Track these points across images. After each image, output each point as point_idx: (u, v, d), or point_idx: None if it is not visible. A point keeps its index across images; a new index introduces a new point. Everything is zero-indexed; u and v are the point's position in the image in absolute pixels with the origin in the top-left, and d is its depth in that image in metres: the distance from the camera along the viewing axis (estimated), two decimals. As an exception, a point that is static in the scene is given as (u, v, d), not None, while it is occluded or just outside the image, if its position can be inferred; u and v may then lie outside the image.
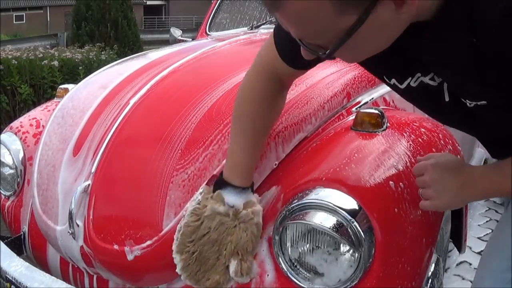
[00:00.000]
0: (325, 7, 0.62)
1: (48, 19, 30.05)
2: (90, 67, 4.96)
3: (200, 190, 1.10)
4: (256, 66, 1.06)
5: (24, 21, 29.49)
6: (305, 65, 1.00)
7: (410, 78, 0.84)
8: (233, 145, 1.09)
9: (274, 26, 1.01)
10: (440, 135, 1.39)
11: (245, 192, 1.06)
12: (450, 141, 1.39)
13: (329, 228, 1.03)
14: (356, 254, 1.03)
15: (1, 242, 1.44)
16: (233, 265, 1.04)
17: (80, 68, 4.89)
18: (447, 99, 0.83)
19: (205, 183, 1.10)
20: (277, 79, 1.05)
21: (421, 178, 0.96)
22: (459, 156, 1.36)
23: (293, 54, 0.89)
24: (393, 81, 0.89)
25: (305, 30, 0.69)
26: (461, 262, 2.29)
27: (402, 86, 0.87)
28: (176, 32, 2.91)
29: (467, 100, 0.79)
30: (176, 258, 1.07)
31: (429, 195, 0.94)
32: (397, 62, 0.83)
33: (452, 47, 0.71)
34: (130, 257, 1.15)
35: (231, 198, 1.05)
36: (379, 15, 0.64)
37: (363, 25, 0.64)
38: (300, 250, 1.08)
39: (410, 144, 1.25)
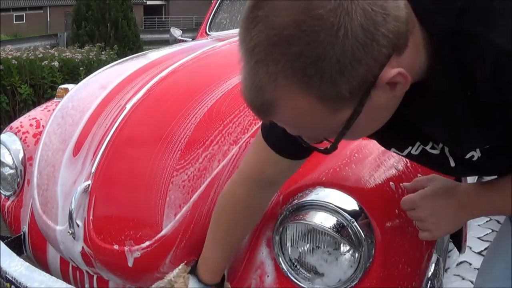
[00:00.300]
0: (317, 110, 0.60)
1: (48, 19, 30.07)
2: (90, 67, 4.96)
3: (180, 266, 1.11)
4: (241, 175, 1.02)
5: (24, 21, 29.50)
6: (307, 154, 0.97)
7: (410, 147, 0.82)
8: (208, 242, 1.09)
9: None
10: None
11: None
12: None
13: (329, 228, 1.03)
14: (356, 254, 1.03)
15: (1, 242, 1.44)
16: None
17: (82, 68, 4.89)
18: (452, 164, 0.80)
19: (185, 261, 1.13)
20: (267, 184, 1.01)
21: (414, 213, 0.93)
22: None
23: (293, 147, 0.88)
24: (393, 149, 0.86)
25: (301, 131, 0.69)
26: (461, 262, 2.29)
27: (403, 154, 0.84)
28: (176, 32, 2.91)
29: (471, 152, 0.76)
30: None
31: (426, 228, 0.91)
32: (394, 132, 0.79)
33: (445, 104, 0.68)
34: (130, 262, 1.16)
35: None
36: (375, 101, 0.61)
37: (360, 115, 0.61)
38: (300, 250, 1.08)
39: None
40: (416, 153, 0.82)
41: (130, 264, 1.16)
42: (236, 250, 1.12)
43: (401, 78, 0.60)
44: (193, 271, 1.10)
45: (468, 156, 0.77)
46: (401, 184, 1.06)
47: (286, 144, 0.89)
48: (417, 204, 0.92)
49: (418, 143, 0.81)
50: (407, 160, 1.17)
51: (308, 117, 0.62)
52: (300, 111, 0.61)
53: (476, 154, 0.76)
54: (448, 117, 0.71)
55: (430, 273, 1.22)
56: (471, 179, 2.49)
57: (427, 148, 0.81)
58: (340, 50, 0.55)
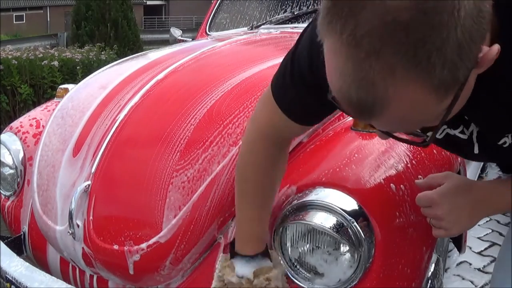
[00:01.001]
0: (430, 100, 0.55)
1: (48, 19, 30.06)
2: (89, 67, 4.95)
3: (220, 258, 1.08)
4: (254, 133, 0.99)
5: (24, 21, 29.49)
6: (318, 120, 0.96)
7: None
8: (239, 215, 1.04)
9: (268, 88, 0.93)
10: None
11: (255, 260, 1.02)
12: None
13: (329, 228, 1.03)
14: (356, 254, 1.03)
15: (1, 242, 1.44)
16: None
17: (78, 68, 4.87)
18: (476, 151, 0.79)
19: (221, 251, 1.10)
20: (279, 140, 0.99)
21: (430, 211, 0.90)
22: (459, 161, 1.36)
23: (304, 114, 0.87)
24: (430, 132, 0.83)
25: (404, 126, 0.63)
26: (461, 262, 2.29)
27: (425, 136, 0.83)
28: (176, 32, 2.91)
29: (504, 138, 0.74)
30: None
31: (442, 226, 0.89)
32: None
33: (498, 89, 0.66)
34: (131, 269, 1.16)
35: (241, 268, 1.02)
36: (470, 82, 0.58)
37: (458, 99, 0.58)
38: (300, 250, 1.08)
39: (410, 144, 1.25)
40: (440, 136, 0.81)
41: (131, 271, 1.16)
42: (269, 213, 1.06)
43: (496, 56, 0.56)
44: (234, 254, 1.04)
45: (500, 142, 0.75)
46: (415, 181, 1.04)
47: (300, 112, 0.87)
48: (435, 201, 0.89)
49: (445, 126, 0.79)
50: (408, 160, 1.17)
51: (419, 111, 0.56)
52: (414, 105, 0.55)
53: (508, 140, 0.74)
54: (498, 103, 0.68)
55: (430, 273, 1.22)
56: (474, 170, 2.48)
57: (456, 132, 0.78)
58: (461, 32, 0.50)
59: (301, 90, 0.83)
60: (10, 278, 1.28)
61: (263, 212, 1.04)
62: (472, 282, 2.13)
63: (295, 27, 2.28)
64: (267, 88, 0.93)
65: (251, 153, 1.00)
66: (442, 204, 0.88)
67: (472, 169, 2.90)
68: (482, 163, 3.21)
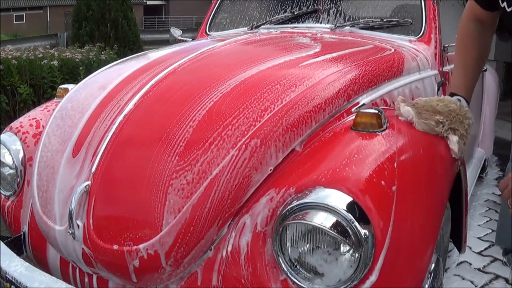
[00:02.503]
0: None
1: (48, 19, 30.05)
2: (90, 67, 4.95)
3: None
4: (463, 15, 1.47)
5: (24, 21, 29.48)
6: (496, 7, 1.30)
7: None
8: (455, 71, 1.53)
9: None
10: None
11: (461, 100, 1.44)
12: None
13: (329, 228, 1.03)
14: (356, 254, 1.03)
15: (1, 242, 1.44)
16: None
17: (81, 68, 4.88)
18: None
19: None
20: (477, 21, 1.43)
21: (508, 191, 1.12)
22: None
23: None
24: (504, 4, 1.04)
25: None
26: (461, 262, 2.29)
27: (509, 9, 0.97)
28: (176, 32, 2.91)
29: None
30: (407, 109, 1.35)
31: None
32: None
33: None
34: (133, 277, 1.17)
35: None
36: None
37: None
38: (300, 250, 1.08)
39: (410, 144, 1.25)
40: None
41: (131, 271, 1.16)
42: (477, 72, 1.51)
43: None
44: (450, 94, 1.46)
45: None
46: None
47: None
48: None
49: None
50: (407, 160, 1.17)
51: None
52: None
53: None
54: None
55: (430, 273, 1.22)
56: (474, 170, 2.57)
57: None
58: None
59: None
60: (10, 278, 1.28)
61: (471, 71, 1.48)
62: (472, 282, 2.13)
63: (295, 27, 2.28)
64: None
65: (462, 29, 1.48)
66: None
67: (472, 169, 2.90)
68: (482, 163, 3.21)
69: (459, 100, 1.43)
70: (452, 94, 1.48)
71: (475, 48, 1.47)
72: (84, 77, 1.75)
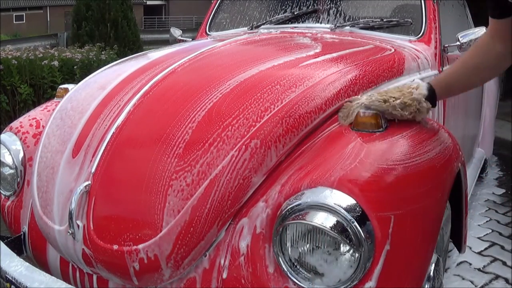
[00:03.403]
0: None
1: (48, 19, 30.05)
2: (89, 67, 4.94)
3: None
4: (486, 35, 1.41)
5: (24, 21, 29.48)
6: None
7: None
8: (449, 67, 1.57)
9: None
10: (440, 133, 1.39)
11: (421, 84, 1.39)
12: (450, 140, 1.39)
13: (329, 228, 1.03)
14: (356, 254, 1.03)
15: (1, 242, 1.44)
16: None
17: (75, 67, 4.85)
18: None
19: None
20: (499, 41, 1.34)
21: None
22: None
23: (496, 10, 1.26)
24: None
25: None
26: (461, 262, 2.29)
27: None
28: (176, 32, 2.91)
29: None
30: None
31: None
32: None
33: None
34: (130, 270, 1.16)
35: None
36: None
37: None
38: (300, 250, 1.08)
39: (410, 144, 1.25)
40: None
41: (131, 272, 1.16)
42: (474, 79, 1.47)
43: None
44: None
45: None
46: None
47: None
48: None
49: None
50: (407, 160, 1.17)
51: None
52: None
53: None
54: None
55: (430, 273, 1.22)
56: (474, 170, 2.53)
57: None
58: None
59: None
60: (10, 278, 1.28)
61: (462, 74, 1.43)
62: (472, 282, 2.14)
63: (295, 27, 2.28)
64: None
65: (482, 46, 1.42)
66: None
67: (472, 169, 2.90)
68: (482, 163, 3.21)
69: (420, 85, 1.40)
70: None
71: (481, 56, 1.41)
72: (80, 76, 1.74)
